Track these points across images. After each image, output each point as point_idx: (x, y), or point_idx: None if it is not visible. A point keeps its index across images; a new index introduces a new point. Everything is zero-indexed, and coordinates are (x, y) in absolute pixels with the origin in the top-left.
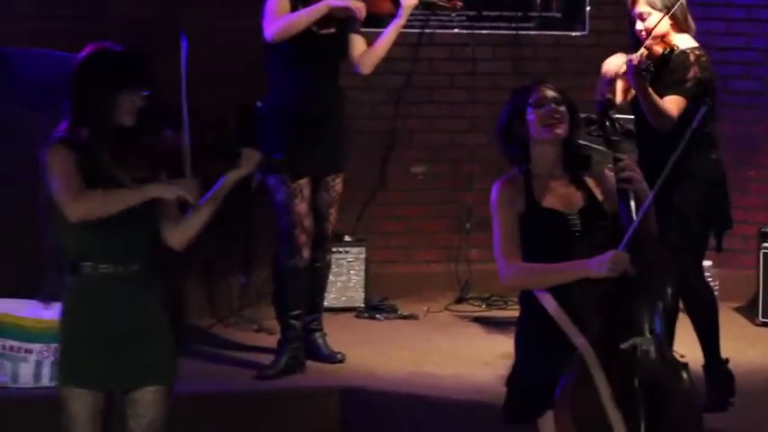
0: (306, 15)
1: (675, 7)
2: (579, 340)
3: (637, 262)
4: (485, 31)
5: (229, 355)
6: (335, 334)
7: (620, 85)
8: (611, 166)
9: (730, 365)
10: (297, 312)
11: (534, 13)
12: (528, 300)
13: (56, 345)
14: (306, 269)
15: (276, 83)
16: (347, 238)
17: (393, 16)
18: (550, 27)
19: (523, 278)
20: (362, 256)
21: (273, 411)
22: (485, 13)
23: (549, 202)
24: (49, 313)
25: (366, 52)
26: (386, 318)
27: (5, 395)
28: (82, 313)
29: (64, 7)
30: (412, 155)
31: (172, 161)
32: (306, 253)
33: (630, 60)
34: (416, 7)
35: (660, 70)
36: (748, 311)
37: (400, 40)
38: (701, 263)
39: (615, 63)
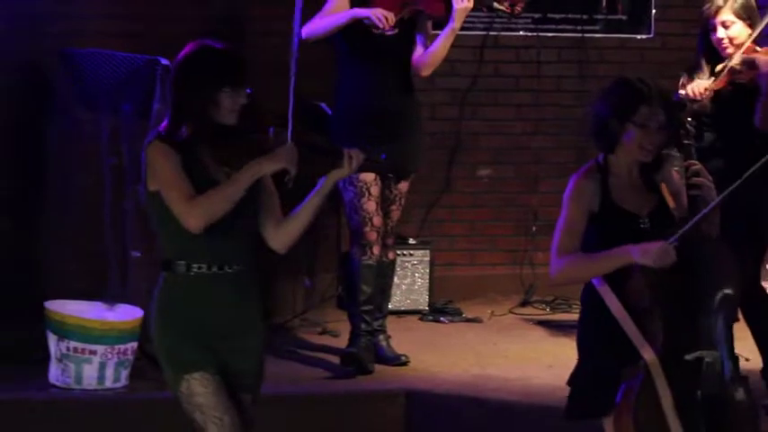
0: (331, 21)
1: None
2: (644, 348)
3: (697, 268)
4: (550, 34)
5: (293, 357)
6: (400, 336)
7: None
8: (677, 168)
9: None
10: (369, 308)
11: (600, 16)
12: (591, 299)
13: (120, 346)
14: (377, 266)
15: (342, 82)
16: (411, 241)
17: (448, 20)
18: (616, 30)
19: (570, 268)
20: (427, 258)
21: (338, 414)
22: (550, 15)
23: (624, 202)
24: (113, 315)
25: (422, 56)
26: (450, 321)
27: (69, 396)
28: (178, 313)
29: (126, 7)
30: (477, 157)
31: None
32: (377, 250)
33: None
34: (475, 9)
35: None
36: None
37: (464, 43)
38: (760, 268)
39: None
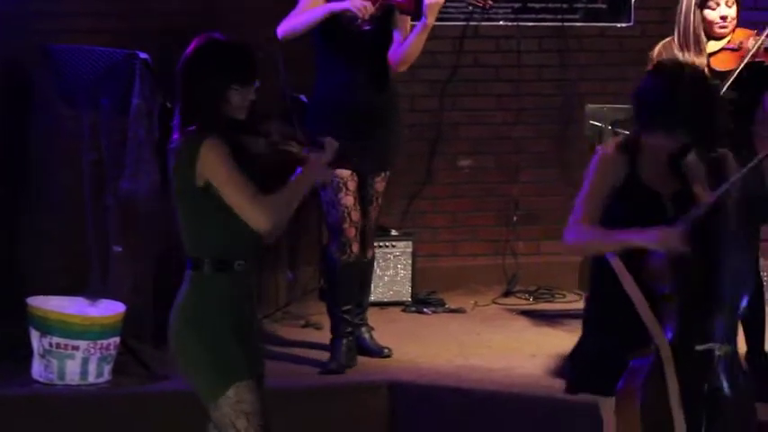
0: (307, 18)
1: None
2: (658, 333)
3: (721, 261)
4: (530, 24)
5: (276, 350)
6: (383, 328)
7: None
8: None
9: None
10: (348, 307)
11: (579, 5)
12: (602, 274)
13: (102, 341)
14: (356, 263)
15: (319, 77)
16: (394, 233)
17: (420, 14)
18: (595, 18)
19: (584, 240)
20: (409, 250)
21: (321, 406)
22: (530, 5)
23: (650, 180)
24: (95, 310)
25: (396, 52)
26: (433, 312)
27: (52, 392)
28: (224, 315)
29: (106, 3)
30: (458, 148)
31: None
32: (355, 247)
33: None
34: (451, 0)
35: None
36: None
37: (443, 33)
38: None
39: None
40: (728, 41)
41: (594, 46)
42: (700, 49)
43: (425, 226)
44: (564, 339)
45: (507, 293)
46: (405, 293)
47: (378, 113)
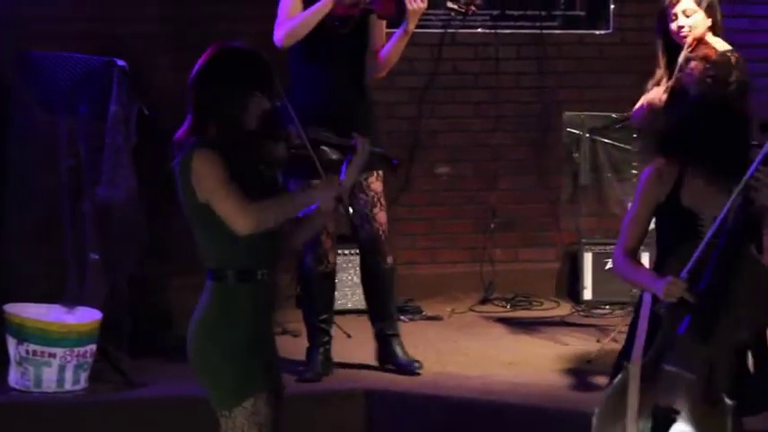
0: (311, 14)
1: None
2: (637, 351)
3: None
4: (508, 31)
5: None
6: (360, 335)
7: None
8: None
9: None
10: (324, 317)
11: (558, 12)
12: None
13: (79, 348)
14: (332, 274)
15: (295, 81)
16: None
17: (401, 20)
18: (574, 26)
19: (620, 272)
20: None
21: (298, 414)
22: (508, 12)
23: (690, 201)
24: (72, 317)
25: (376, 57)
26: (410, 319)
27: (29, 399)
28: (245, 326)
29: (83, 10)
30: (436, 155)
31: (300, 159)
32: (332, 258)
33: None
34: (430, 7)
35: None
36: None
37: (421, 41)
38: None
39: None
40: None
41: (573, 53)
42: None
43: (403, 233)
44: (541, 347)
45: (485, 301)
46: None
47: (356, 115)
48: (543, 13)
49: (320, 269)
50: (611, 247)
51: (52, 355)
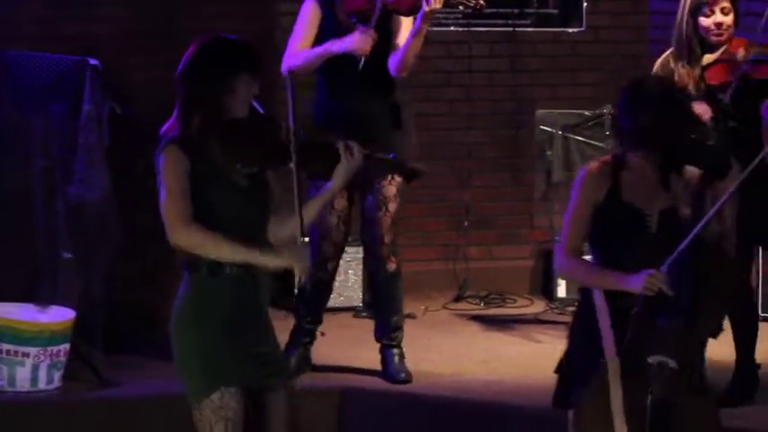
0: (316, 56)
1: None
2: (609, 348)
3: (691, 281)
4: (481, 29)
5: None
6: (333, 333)
7: None
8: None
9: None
10: (312, 319)
11: (531, 10)
12: (585, 291)
13: (52, 347)
14: (329, 281)
15: (320, 81)
16: None
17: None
18: (547, 24)
19: (575, 275)
20: (360, 255)
21: None
22: None
23: (631, 196)
24: (45, 316)
25: (394, 57)
26: None
27: (2, 399)
28: (224, 315)
29: (56, 10)
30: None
31: (283, 153)
32: (331, 265)
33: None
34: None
35: None
36: None
37: None
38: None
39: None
40: (723, 52)
41: (547, 51)
42: (694, 59)
43: None
44: (515, 345)
45: (458, 299)
46: (356, 299)
47: (378, 117)
48: (516, 11)
49: (318, 275)
50: (585, 244)
51: (25, 355)
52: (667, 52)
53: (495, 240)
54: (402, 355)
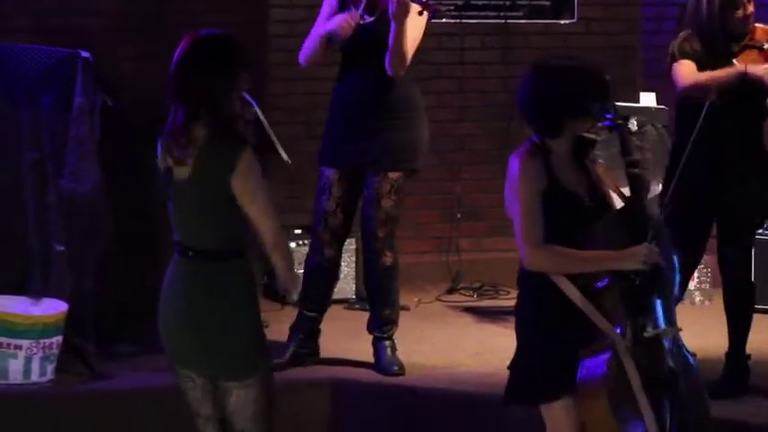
0: (312, 44)
1: None
2: (609, 328)
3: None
4: (473, 21)
5: None
6: (326, 326)
7: None
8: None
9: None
10: (312, 306)
11: (523, 2)
12: (533, 283)
13: (45, 340)
14: (328, 268)
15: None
16: None
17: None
18: (539, 15)
19: (551, 265)
20: (353, 247)
21: None
22: (473, 2)
23: (566, 182)
24: (38, 309)
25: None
26: None
27: None
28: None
29: (47, 2)
30: None
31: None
32: (328, 251)
33: None
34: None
35: None
36: None
37: None
38: (750, 255)
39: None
40: (749, 39)
41: (538, 43)
42: (724, 52)
43: None
44: (508, 336)
45: (451, 290)
46: (349, 291)
47: (381, 110)
48: (508, 2)
49: (314, 260)
50: None
51: (18, 347)
52: (684, 33)
53: (487, 232)
54: (394, 348)
